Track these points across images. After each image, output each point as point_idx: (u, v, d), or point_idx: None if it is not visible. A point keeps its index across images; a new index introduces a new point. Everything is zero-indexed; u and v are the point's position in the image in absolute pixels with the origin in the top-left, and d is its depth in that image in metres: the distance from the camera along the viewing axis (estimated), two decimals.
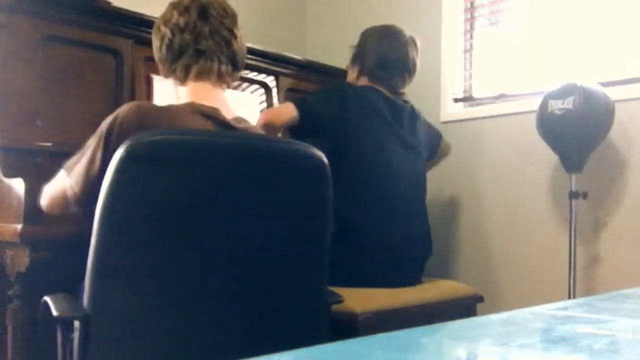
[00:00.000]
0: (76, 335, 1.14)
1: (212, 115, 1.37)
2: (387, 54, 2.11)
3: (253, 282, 1.22)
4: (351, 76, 2.20)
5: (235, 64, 1.54)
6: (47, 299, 1.23)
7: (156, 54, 1.53)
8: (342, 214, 1.98)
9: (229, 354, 1.18)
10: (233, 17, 1.53)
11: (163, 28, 1.49)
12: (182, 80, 1.49)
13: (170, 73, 1.51)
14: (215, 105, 1.41)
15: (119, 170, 1.08)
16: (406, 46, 2.14)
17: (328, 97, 2.03)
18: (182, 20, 1.46)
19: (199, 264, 1.16)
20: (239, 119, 1.46)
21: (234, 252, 1.19)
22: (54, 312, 1.17)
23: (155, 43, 1.52)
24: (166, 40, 1.47)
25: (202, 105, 1.39)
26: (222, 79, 1.50)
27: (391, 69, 2.11)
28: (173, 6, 1.50)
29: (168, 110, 1.36)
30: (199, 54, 1.46)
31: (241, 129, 1.42)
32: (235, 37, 1.51)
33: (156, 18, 1.61)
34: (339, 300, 1.41)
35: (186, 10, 1.47)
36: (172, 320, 1.16)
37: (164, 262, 1.14)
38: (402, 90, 2.16)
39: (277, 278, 1.25)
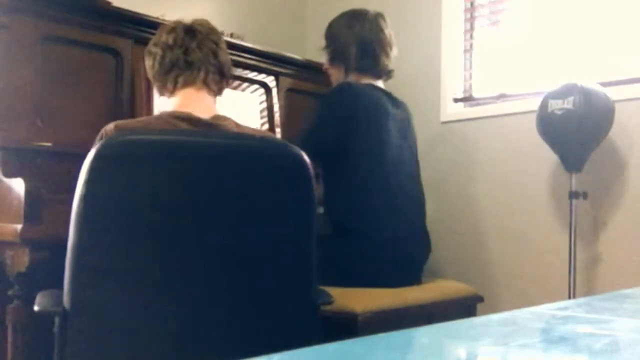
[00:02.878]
0: (56, 330, 1.17)
1: (185, 117, 1.46)
2: (365, 39, 2.08)
3: (235, 282, 1.21)
4: (337, 76, 2.14)
5: (222, 74, 1.64)
6: (39, 293, 1.25)
7: (149, 73, 1.65)
8: (343, 214, 1.98)
9: (209, 354, 1.19)
10: (217, 33, 1.66)
11: (154, 48, 1.62)
12: (172, 91, 1.60)
13: (162, 88, 1.63)
14: (193, 109, 1.50)
15: (90, 170, 1.11)
16: (378, 23, 2.12)
17: (323, 119, 2.01)
18: (170, 39, 1.60)
19: (176, 263, 1.17)
20: (218, 117, 1.52)
21: (212, 252, 1.19)
22: (35, 307, 1.20)
23: (148, 63, 1.65)
24: (158, 58, 1.60)
25: (176, 112, 1.49)
26: (208, 87, 1.60)
27: (375, 52, 2.09)
28: (161, 31, 1.64)
29: (144, 122, 1.47)
30: (188, 65, 1.58)
31: (217, 127, 1.48)
32: (221, 49, 1.64)
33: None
34: (329, 301, 1.39)
35: (173, 30, 1.61)
36: (151, 320, 1.17)
37: (140, 260, 1.16)
38: (390, 68, 2.14)
39: (261, 277, 1.24)
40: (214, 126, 1.48)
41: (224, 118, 1.53)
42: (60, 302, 1.16)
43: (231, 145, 1.23)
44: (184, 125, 1.45)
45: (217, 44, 1.63)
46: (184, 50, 1.57)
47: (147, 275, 1.16)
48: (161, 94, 1.65)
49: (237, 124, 1.55)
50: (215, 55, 1.61)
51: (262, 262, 1.24)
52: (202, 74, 1.58)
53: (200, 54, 1.58)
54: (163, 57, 1.59)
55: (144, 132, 1.26)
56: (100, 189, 1.12)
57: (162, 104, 2.02)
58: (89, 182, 1.11)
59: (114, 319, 1.15)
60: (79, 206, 1.12)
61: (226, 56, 1.66)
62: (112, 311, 1.15)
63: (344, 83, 2.09)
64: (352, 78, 2.09)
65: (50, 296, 1.22)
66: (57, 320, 1.17)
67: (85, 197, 1.11)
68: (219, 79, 1.63)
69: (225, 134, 1.38)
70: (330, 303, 1.40)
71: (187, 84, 1.58)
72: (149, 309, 1.17)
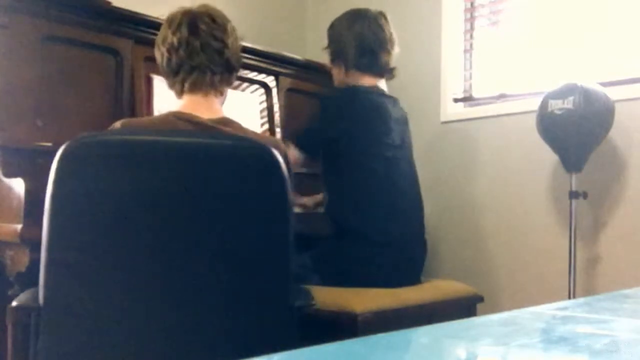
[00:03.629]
0: (32, 325, 1.19)
1: (188, 119, 1.47)
2: (364, 37, 2.07)
3: (206, 281, 1.22)
4: (339, 76, 2.14)
5: (230, 69, 1.63)
6: (24, 291, 1.27)
7: (160, 70, 1.64)
8: (343, 215, 1.98)
9: (182, 352, 1.19)
10: (223, 26, 1.60)
11: (162, 47, 1.59)
12: (180, 93, 1.60)
13: (171, 87, 1.63)
14: (202, 113, 1.51)
15: (57, 170, 1.14)
16: (378, 22, 2.10)
17: (323, 121, 2.02)
18: (175, 40, 1.56)
19: (143, 261, 1.18)
20: (222, 120, 1.52)
21: (182, 250, 1.20)
22: (14, 302, 1.22)
23: (158, 59, 1.63)
24: (165, 59, 1.59)
25: (181, 112, 1.50)
26: (214, 88, 1.60)
27: (375, 50, 2.08)
28: (168, 24, 1.59)
29: (149, 121, 1.48)
30: (193, 68, 1.57)
31: (217, 130, 1.48)
32: (227, 46, 1.60)
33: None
34: (309, 302, 1.36)
35: (178, 28, 1.57)
36: (121, 318, 1.19)
37: (108, 258, 1.17)
38: (392, 66, 2.13)
39: (234, 278, 1.24)
40: (214, 129, 1.49)
41: (229, 122, 1.54)
42: (36, 298, 1.18)
43: (201, 145, 1.24)
44: (184, 126, 1.46)
45: (222, 40, 1.58)
46: (188, 53, 1.56)
47: (114, 273, 1.18)
48: (171, 89, 1.65)
49: (241, 128, 1.55)
50: (220, 54, 1.58)
51: (235, 263, 1.24)
52: (207, 78, 1.57)
53: (204, 57, 1.56)
54: (169, 59, 1.58)
55: (112, 133, 1.30)
56: (67, 188, 1.15)
57: (163, 104, 2.03)
58: (56, 181, 1.14)
59: (83, 316, 1.17)
60: (48, 204, 1.14)
61: (233, 48, 1.62)
62: (81, 307, 1.17)
63: (344, 87, 2.08)
64: (353, 77, 2.08)
65: (31, 293, 1.23)
66: (33, 316, 1.20)
67: (53, 196, 1.14)
68: (228, 76, 1.62)
69: (196, 134, 1.38)
70: (310, 305, 1.36)
71: (193, 88, 1.57)
72: (117, 306, 1.18)
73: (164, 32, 1.60)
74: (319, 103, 2.17)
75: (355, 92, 2.01)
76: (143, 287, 1.19)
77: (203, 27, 1.57)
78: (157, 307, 1.19)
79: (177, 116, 1.48)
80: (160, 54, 1.60)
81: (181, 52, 1.56)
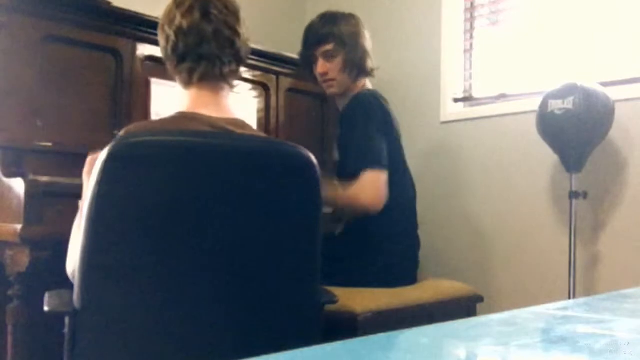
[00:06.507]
0: (66, 330, 1.18)
1: (205, 123, 1.38)
2: (367, 43, 2.06)
3: (242, 281, 1.22)
4: (346, 82, 2.03)
5: (239, 60, 1.52)
6: (46, 294, 1.25)
7: (162, 53, 1.51)
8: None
9: (217, 352, 1.20)
10: (235, 13, 1.50)
11: (167, 29, 1.47)
12: (187, 82, 1.48)
13: (176, 75, 1.50)
14: (213, 112, 1.42)
15: (102, 171, 1.11)
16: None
17: (370, 131, 1.89)
18: (185, 23, 1.44)
19: (185, 263, 1.17)
20: (237, 123, 1.45)
21: (222, 252, 1.20)
22: (45, 307, 1.20)
23: (162, 43, 1.50)
24: (171, 43, 1.46)
25: (195, 114, 1.40)
26: (225, 80, 1.49)
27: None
28: (176, 4, 1.47)
29: (163, 124, 1.39)
30: (202, 57, 1.45)
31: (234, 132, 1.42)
32: (239, 35, 1.49)
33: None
34: (333, 300, 1.40)
35: (189, 10, 1.45)
36: (160, 318, 1.18)
37: (150, 260, 1.16)
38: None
39: (267, 277, 1.25)
40: (230, 132, 1.41)
41: (242, 124, 1.46)
42: (70, 302, 1.16)
43: (241, 146, 1.24)
44: (201, 128, 1.38)
45: (234, 28, 1.47)
46: (199, 40, 1.43)
47: (158, 275, 1.16)
48: (173, 75, 1.52)
49: (253, 131, 1.48)
50: (232, 44, 1.47)
51: (269, 262, 1.25)
52: (217, 70, 1.46)
53: (214, 46, 1.44)
54: (176, 44, 1.44)
55: (157, 133, 1.25)
56: (112, 190, 1.12)
57: (161, 104, 2.03)
58: (101, 182, 1.10)
59: (125, 319, 1.16)
60: (91, 206, 1.11)
61: (244, 39, 1.50)
62: (123, 311, 1.16)
63: (365, 92, 2.01)
64: (362, 81, 2.05)
65: (59, 296, 1.22)
66: (67, 320, 1.18)
67: (97, 198, 1.11)
68: (236, 67, 1.51)
69: (235, 136, 1.36)
70: (334, 302, 1.41)
71: (202, 80, 1.46)
72: (160, 308, 1.17)
73: (171, 13, 1.46)
74: (351, 115, 1.95)
75: (377, 97, 1.99)
76: (183, 289, 1.18)
77: (216, 12, 1.45)
78: (198, 309, 1.19)
79: (189, 119, 1.39)
80: (165, 36, 1.47)
81: (191, 38, 1.43)
